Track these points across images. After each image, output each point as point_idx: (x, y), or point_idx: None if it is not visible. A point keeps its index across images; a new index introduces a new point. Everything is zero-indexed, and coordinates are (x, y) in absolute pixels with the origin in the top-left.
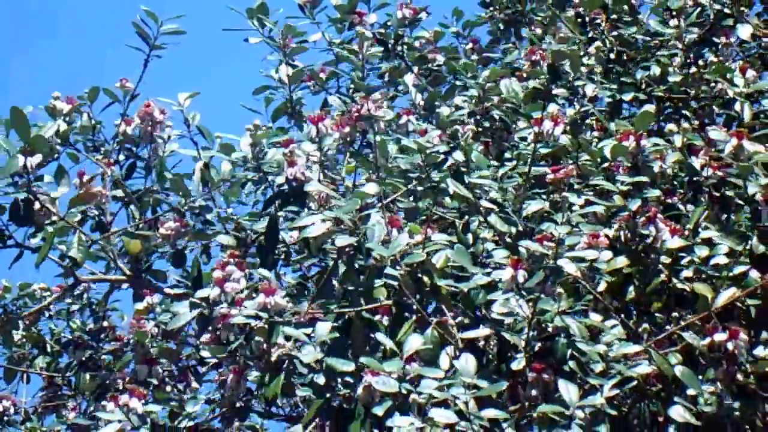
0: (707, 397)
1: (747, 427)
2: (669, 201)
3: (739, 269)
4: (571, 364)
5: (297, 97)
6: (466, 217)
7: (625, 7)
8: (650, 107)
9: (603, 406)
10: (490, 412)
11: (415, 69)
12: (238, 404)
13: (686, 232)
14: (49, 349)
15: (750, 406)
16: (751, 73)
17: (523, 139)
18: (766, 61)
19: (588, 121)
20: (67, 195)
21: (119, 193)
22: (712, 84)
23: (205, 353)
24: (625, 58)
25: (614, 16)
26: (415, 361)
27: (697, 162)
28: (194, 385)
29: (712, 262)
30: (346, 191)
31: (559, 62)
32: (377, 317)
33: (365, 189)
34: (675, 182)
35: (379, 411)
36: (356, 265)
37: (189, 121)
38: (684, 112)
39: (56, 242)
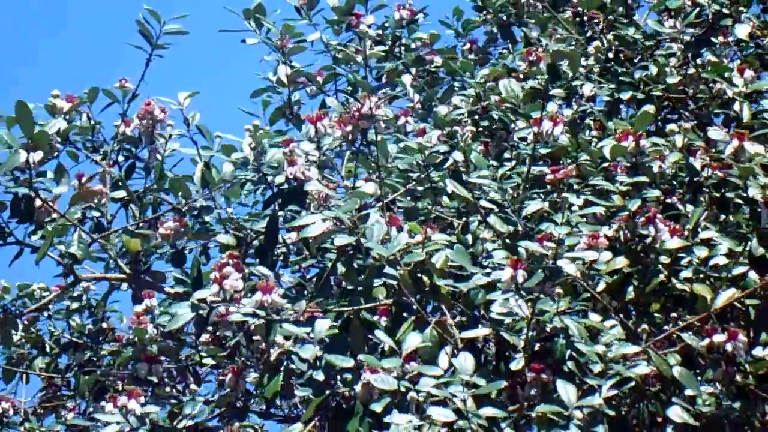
0: (706, 398)
1: (746, 427)
2: (668, 201)
3: (738, 270)
4: (570, 364)
5: (294, 100)
6: (464, 218)
7: (621, 9)
8: (650, 107)
9: (601, 406)
10: (489, 411)
11: (413, 70)
12: (237, 404)
13: (686, 233)
14: (48, 350)
15: (749, 406)
16: (749, 73)
17: (523, 139)
18: (763, 60)
19: (586, 120)
20: (66, 194)
21: (118, 194)
22: (711, 84)
23: (205, 355)
24: (622, 57)
25: (611, 17)
26: (414, 360)
27: (697, 162)
28: (193, 386)
29: (712, 262)
30: (346, 191)
31: (558, 62)
32: (375, 317)
33: (364, 189)
34: (675, 182)
35: (377, 408)
36: (355, 265)
37: (189, 121)
38: (682, 111)
39: (56, 241)
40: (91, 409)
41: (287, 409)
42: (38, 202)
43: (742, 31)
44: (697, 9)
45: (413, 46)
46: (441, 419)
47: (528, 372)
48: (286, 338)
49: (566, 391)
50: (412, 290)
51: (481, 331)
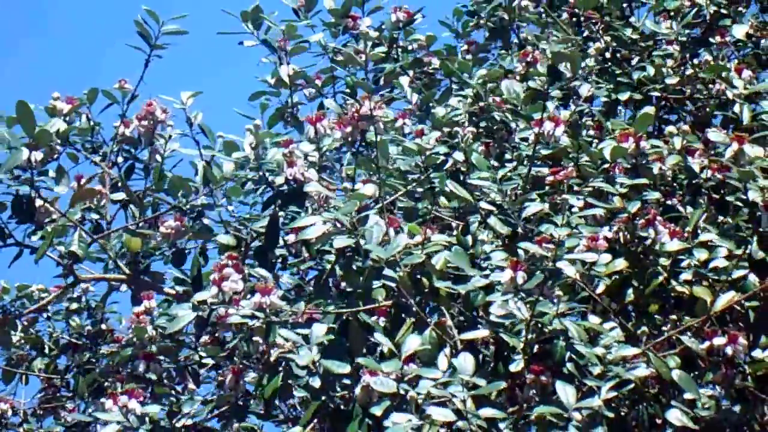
0: (705, 401)
1: (745, 428)
2: (668, 202)
3: (738, 273)
4: (569, 366)
5: (293, 101)
6: (464, 219)
7: (618, 9)
8: (650, 109)
9: (600, 408)
10: (488, 412)
11: (411, 72)
12: (236, 404)
13: (685, 234)
14: (47, 351)
15: (748, 409)
16: (747, 73)
17: (524, 139)
18: (761, 60)
19: (583, 120)
20: (66, 196)
21: (118, 196)
22: (710, 85)
23: (204, 355)
24: (619, 57)
25: (607, 18)
26: (414, 362)
27: (695, 164)
28: (191, 386)
29: (711, 265)
30: (345, 192)
31: (559, 63)
32: (374, 318)
33: (363, 190)
34: (675, 184)
35: (377, 411)
36: (355, 267)
37: (191, 120)
38: (680, 112)
39: (55, 242)
40: (90, 410)
41: (286, 410)
42: (39, 202)
43: (740, 31)
44: (695, 9)
45: (410, 48)
46: (440, 419)
47: (527, 374)
48: (285, 339)
49: (565, 392)
50: (412, 292)
51: (481, 333)
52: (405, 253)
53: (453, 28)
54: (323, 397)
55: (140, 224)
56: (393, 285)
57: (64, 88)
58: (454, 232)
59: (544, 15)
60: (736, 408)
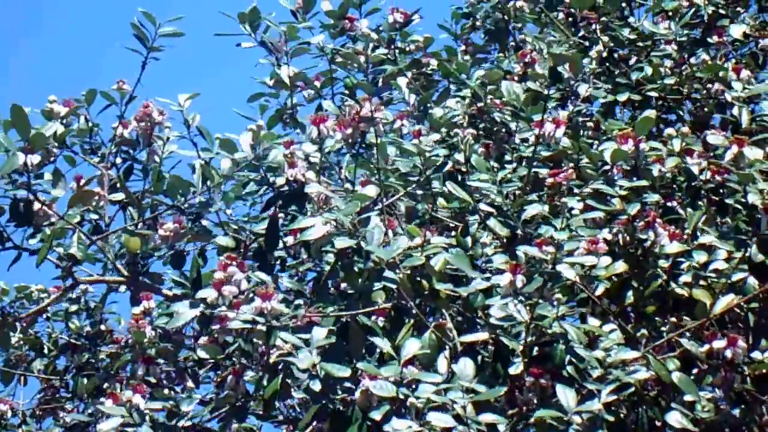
0: (705, 404)
1: (745, 431)
2: (668, 204)
3: (737, 276)
4: (569, 369)
5: (293, 103)
6: (463, 220)
7: (616, 9)
8: (650, 112)
9: (600, 411)
10: (488, 417)
11: (409, 73)
12: (236, 405)
13: (685, 237)
14: (46, 352)
15: (748, 412)
16: (745, 73)
17: (524, 141)
18: (758, 60)
19: (581, 120)
20: (64, 198)
21: (116, 197)
22: (708, 85)
23: (201, 354)
24: (617, 57)
25: (604, 18)
26: (413, 365)
27: (694, 166)
28: (190, 384)
29: (711, 267)
30: (346, 193)
31: (559, 65)
32: (373, 318)
33: (365, 191)
34: (674, 186)
35: (376, 415)
36: (355, 269)
37: (189, 122)
38: (679, 111)
39: (54, 244)
40: (90, 411)
41: (285, 411)
42: (37, 205)
43: (737, 30)
44: (693, 10)
45: (408, 49)
46: (440, 425)
47: (527, 376)
48: (285, 341)
49: (565, 396)
50: (411, 294)
51: (480, 336)
52: (405, 255)
53: (451, 30)
54: (323, 401)
55: (139, 225)
56: (393, 287)
57: (63, 89)
58: (453, 233)
59: (542, 15)
60: (736, 411)
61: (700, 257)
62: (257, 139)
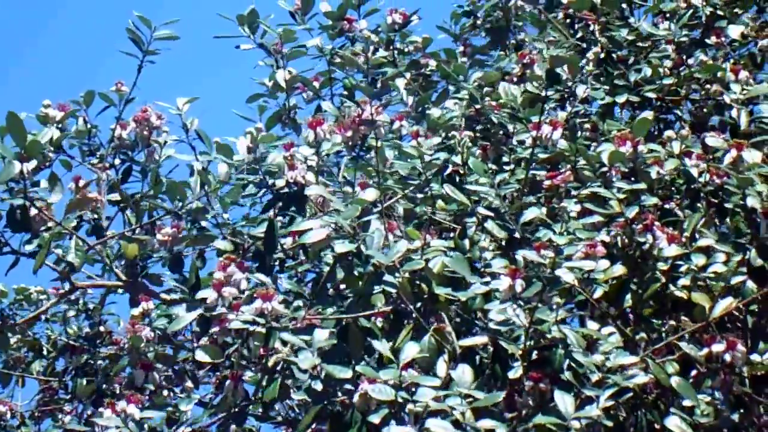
0: (704, 408)
1: None
2: (666, 206)
3: (736, 279)
4: (568, 374)
5: (291, 104)
6: (461, 223)
7: (615, 10)
8: (648, 114)
9: (599, 417)
10: (487, 423)
11: (407, 74)
12: (235, 409)
13: (683, 239)
14: (45, 353)
15: (746, 415)
16: (744, 74)
17: (522, 142)
18: (756, 61)
19: (578, 122)
20: (60, 201)
21: (115, 197)
22: (707, 86)
23: (201, 356)
24: (616, 58)
25: (603, 19)
26: (412, 368)
27: (693, 169)
28: (189, 385)
29: (710, 270)
30: (346, 196)
31: (557, 67)
32: (373, 319)
33: (365, 195)
34: (673, 188)
35: (375, 419)
36: (355, 272)
37: (187, 126)
38: (677, 112)
39: (52, 245)
40: (89, 412)
41: (284, 412)
42: (33, 211)
43: (736, 31)
44: (691, 11)
45: (407, 50)
46: (439, 431)
47: (526, 381)
48: (284, 343)
49: (564, 401)
50: (411, 298)
51: (479, 340)
52: (405, 259)
53: (451, 32)
54: (324, 401)
55: (136, 230)
56: (392, 291)
57: (63, 93)
58: (452, 234)
59: (541, 16)
60: (735, 415)
61: (699, 260)
62: (255, 142)
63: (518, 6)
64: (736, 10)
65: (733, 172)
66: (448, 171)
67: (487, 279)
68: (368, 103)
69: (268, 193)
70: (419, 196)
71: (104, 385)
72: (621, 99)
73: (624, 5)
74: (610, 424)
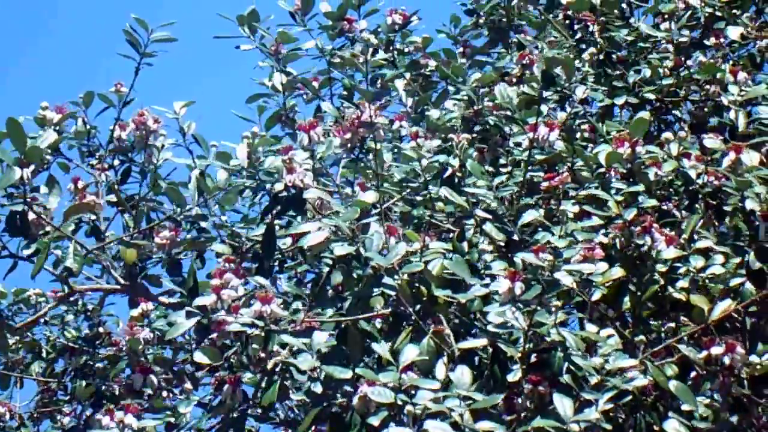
0: (703, 411)
1: None
2: (664, 208)
3: (735, 281)
4: (567, 377)
5: (290, 105)
6: (460, 225)
7: (615, 11)
8: (645, 114)
9: (598, 420)
10: (486, 425)
11: (407, 75)
12: (234, 414)
13: (682, 241)
14: (44, 354)
15: (745, 417)
16: (742, 75)
17: (519, 144)
18: (755, 61)
19: (577, 123)
20: (59, 203)
21: (114, 198)
22: (706, 87)
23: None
24: (615, 59)
25: (602, 19)
26: (411, 370)
27: (692, 170)
28: (188, 386)
29: (708, 272)
30: (345, 199)
31: (553, 68)
32: (372, 321)
33: (364, 197)
34: (671, 189)
35: (374, 421)
36: (354, 275)
37: (185, 130)
38: (675, 113)
39: (52, 246)
40: (88, 413)
41: (283, 413)
42: (32, 216)
43: (735, 32)
44: (690, 12)
45: (406, 50)
46: None
47: (525, 383)
48: (283, 346)
49: (563, 404)
50: (410, 300)
51: (478, 342)
52: (404, 261)
53: (451, 35)
54: (324, 403)
55: (135, 235)
56: (392, 293)
57: (63, 95)
58: (451, 235)
59: (541, 16)
60: (734, 418)
61: (698, 262)
62: (253, 146)
63: (520, 5)
64: (734, 10)
65: (731, 175)
66: (447, 174)
67: (487, 281)
68: (368, 105)
69: (266, 196)
70: (418, 198)
71: (103, 387)
72: (620, 101)
73: (624, 5)
74: (609, 427)
